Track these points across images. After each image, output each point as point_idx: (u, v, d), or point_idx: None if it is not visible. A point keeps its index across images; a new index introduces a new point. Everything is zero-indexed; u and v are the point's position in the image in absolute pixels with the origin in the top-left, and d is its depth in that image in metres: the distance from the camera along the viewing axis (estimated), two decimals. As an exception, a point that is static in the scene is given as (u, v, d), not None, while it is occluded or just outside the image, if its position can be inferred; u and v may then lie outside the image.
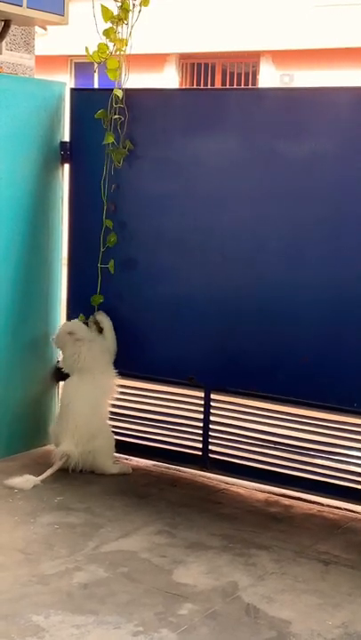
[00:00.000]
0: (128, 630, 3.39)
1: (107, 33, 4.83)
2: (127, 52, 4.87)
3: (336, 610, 3.60)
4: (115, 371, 5.09)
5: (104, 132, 4.97)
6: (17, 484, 4.67)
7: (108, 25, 4.82)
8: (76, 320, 5.12)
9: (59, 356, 5.22)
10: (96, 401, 5.01)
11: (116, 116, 4.90)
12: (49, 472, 4.79)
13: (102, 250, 5.07)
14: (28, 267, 5.16)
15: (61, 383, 5.40)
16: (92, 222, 5.14)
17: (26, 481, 4.68)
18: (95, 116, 4.96)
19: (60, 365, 5.18)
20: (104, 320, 5.09)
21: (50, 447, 5.19)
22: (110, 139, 4.92)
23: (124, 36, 4.83)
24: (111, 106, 4.91)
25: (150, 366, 5.12)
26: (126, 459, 5.18)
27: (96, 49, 4.85)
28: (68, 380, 5.11)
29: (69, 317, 5.33)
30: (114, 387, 5.13)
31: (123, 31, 4.83)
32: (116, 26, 4.81)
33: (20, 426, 5.23)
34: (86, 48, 4.86)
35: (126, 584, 3.74)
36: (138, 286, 5.12)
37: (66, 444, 4.89)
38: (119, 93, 4.88)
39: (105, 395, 5.08)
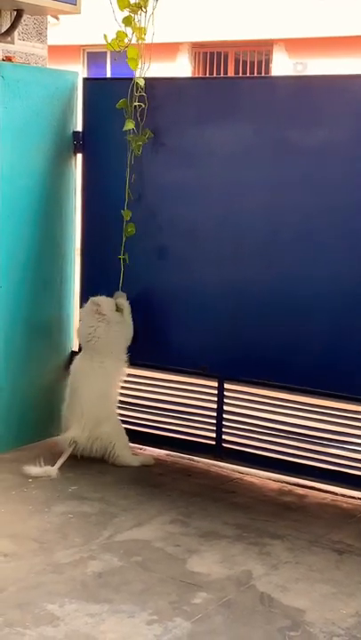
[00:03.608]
0: (142, 619, 3.40)
1: (126, 21, 4.80)
2: (147, 41, 4.83)
3: (350, 599, 3.61)
4: (125, 358, 5.07)
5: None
6: (38, 473, 4.69)
7: (125, 13, 4.79)
8: (109, 298, 5.04)
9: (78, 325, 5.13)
10: (104, 386, 5.01)
11: (137, 104, 4.87)
12: (62, 460, 4.80)
13: (124, 240, 5.04)
14: (42, 257, 5.17)
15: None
16: (106, 212, 5.14)
17: (45, 471, 4.70)
18: (117, 106, 4.91)
19: (76, 335, 5.16)
20: (124, 303, 5.05)
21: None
22: (131, 125, 4.88)
23: (144, 24, 4.79)
24: (132, 94, 4.88)
25: (164, 356, 5.13)
26: (140, 448, 5.19)
27: (115, 37, 4.83)
28: (76, 360, 5.08)
29: (82, 307, 5.33)
30: (123, 373, 5.12)
31: (142, 19, 4.80)
32: (135, 14, 4.78)
33: (34, 415, 5.25)
34: (105, 36, 4.83)
35: (140, 573, 3.75)
36: (151, 276, 5.11)
37: (73, 429, 4.91)
38: (141, 82, 4.85)
39: (113, 381, 5.08)
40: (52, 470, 4.73)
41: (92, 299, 5.02)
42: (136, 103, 4.88)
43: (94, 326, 4.97)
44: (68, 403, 5.08)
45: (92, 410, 4.92)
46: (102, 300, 4.99)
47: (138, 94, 4.87)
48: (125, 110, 4.91)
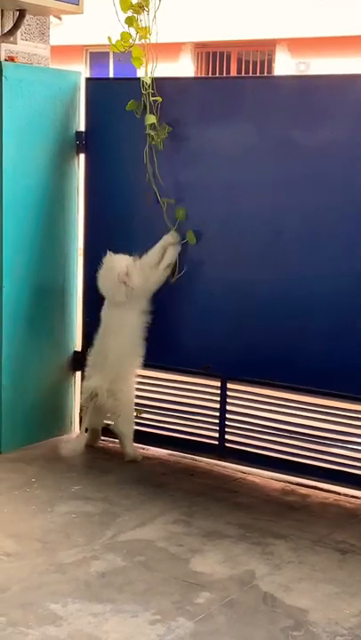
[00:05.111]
0: (145, 619, 3.40)
1: (129, 21, 4.80)
2: (151, 41, 4.82)
3: (354, 598, 3.60)
4: (147, 308, 5.00)
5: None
6: (71, 448, 4.92)
7: (128, 14, 4.79)
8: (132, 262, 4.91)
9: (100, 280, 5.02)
10: (130, 339, 4.97)
11: (154, 99, 4.84)
12: (86, 422, 4.95)
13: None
14: (44, 257, 5.17)
15: (85, 362, 5.33)
16: (108, 212, 5.14)
17: (77, 443, 4.96)
18: (126, 108, 4.89)
19: (100, 289, 5.05)
20: (171, 252, 4.94)
21: (67, 436, 5.22)
22: (152, 119, 4.83)
23: (147, 24, 4.79)
24: (142, 93, 4.86)
25: (166, 356, 5.12)
26: (142, 448, 5.19)
27: (119, 38, 4.82)
28: (105, 310, 5.03)
29: (85, 306, 5.33)
30: (144, 323, 5.01)
31: (145, 19, 4.80)
32: (138, 14, 4.78)
33: (38, 414, 5.25)
34: (109, 37, 4.84)
35: (143, 573, 3.75)
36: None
37: (94, 379, 4.92)
38: (147, 80, 4.84)
39: (138, 333, 4.99)
40: (80, 441, 4.95)
41: (123, 270, 4.86)
42: (152, 99, 4.86)
43: (117, 290, 4.90)
44: (94, 352, 5.04)
45: (116, 360, 4.92)
46: (132, 273, 4.87)
47: (147, 91, 4.85)
48: (136, 112, 4.90)
